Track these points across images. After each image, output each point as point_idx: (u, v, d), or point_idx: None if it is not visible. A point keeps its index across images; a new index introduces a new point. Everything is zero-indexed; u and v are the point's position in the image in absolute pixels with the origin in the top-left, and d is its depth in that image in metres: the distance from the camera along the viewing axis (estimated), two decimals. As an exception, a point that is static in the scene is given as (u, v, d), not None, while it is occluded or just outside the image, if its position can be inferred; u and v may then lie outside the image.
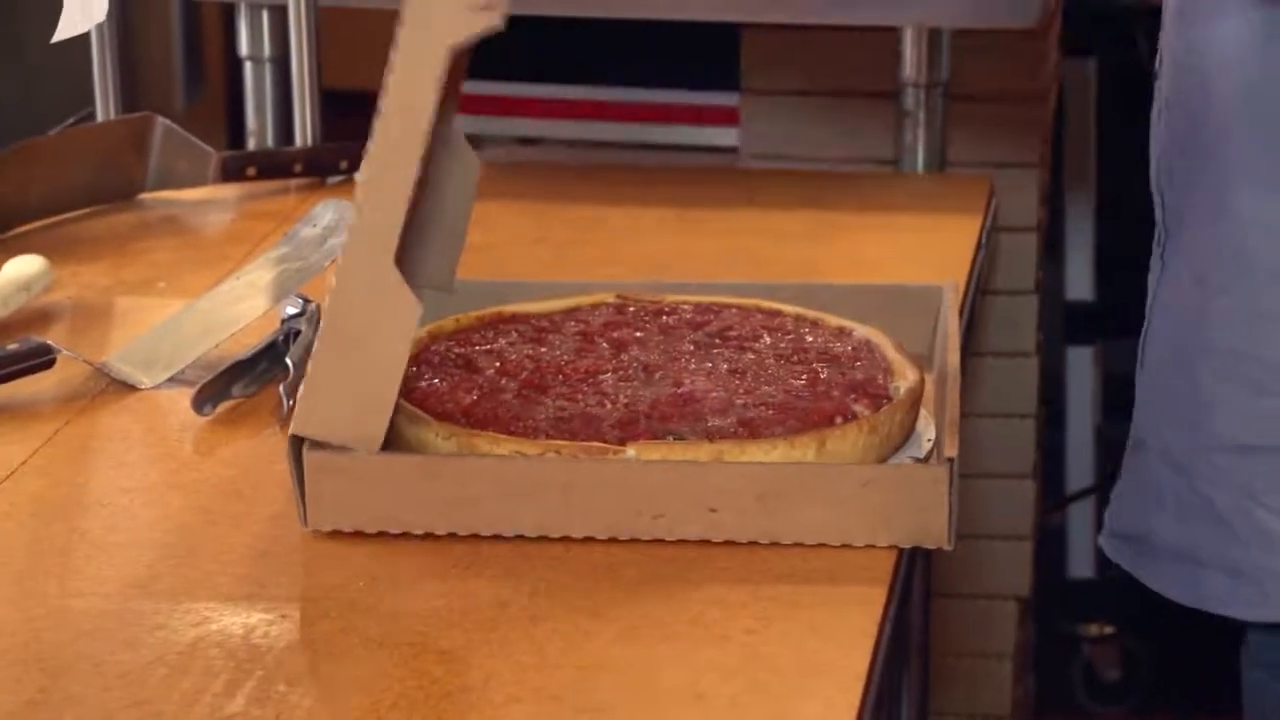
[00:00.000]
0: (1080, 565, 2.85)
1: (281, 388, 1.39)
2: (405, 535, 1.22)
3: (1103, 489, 2.86)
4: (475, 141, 2.75)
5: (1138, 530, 1.48)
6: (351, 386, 1.21)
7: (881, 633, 1.14)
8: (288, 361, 1.40)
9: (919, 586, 2.00)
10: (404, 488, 1.22)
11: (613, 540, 1.21)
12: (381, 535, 1.22)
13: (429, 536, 1.22)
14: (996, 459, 2.26)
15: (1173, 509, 1.44)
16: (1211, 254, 1.42)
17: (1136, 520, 1.48)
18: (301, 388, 1.21)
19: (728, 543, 1.21)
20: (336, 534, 1.22)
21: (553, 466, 1.21)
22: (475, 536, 1.22)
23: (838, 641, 1.12)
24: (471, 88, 2.61)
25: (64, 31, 1.77)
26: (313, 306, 1.47)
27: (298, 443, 1.22)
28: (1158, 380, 1.49)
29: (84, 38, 1.85)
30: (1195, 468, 1.42)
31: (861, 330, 1.37)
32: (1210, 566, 1.42)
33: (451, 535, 1.22)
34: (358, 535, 1.22)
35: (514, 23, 2.58)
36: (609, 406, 1.27)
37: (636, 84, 2.55)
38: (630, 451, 1.22)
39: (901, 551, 1.21)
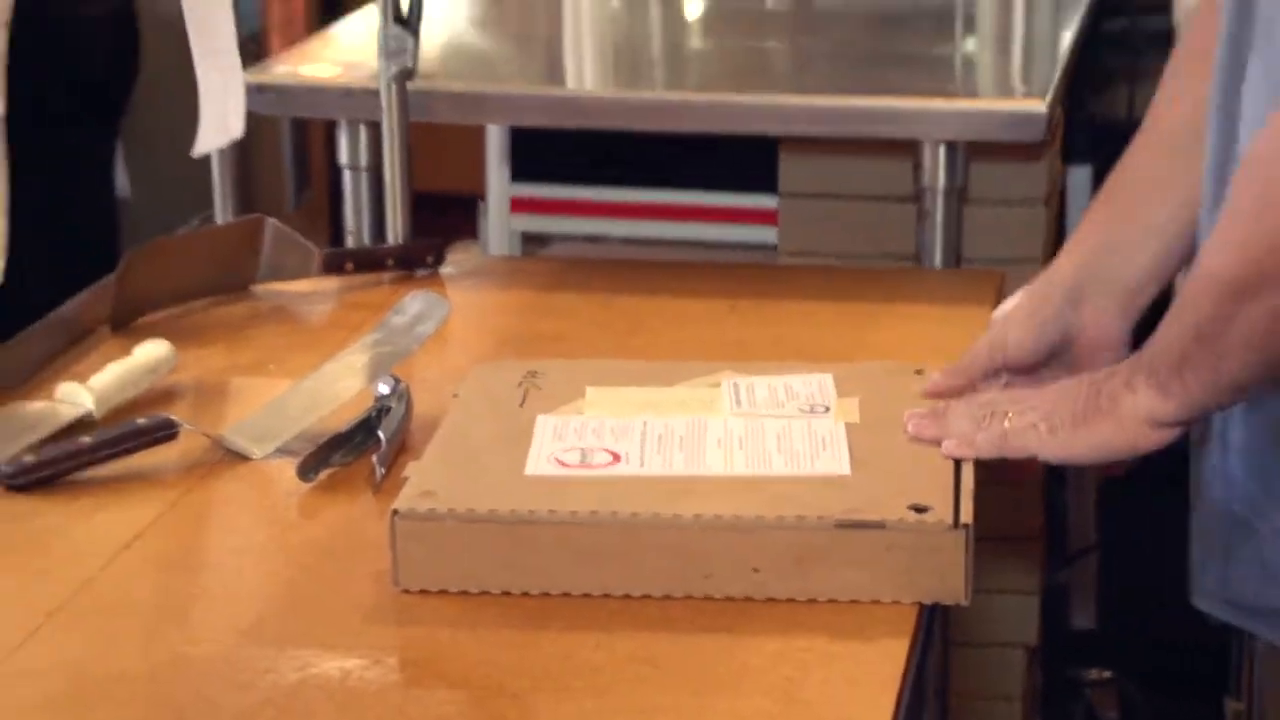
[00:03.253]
0: (1082, 617, 2.83)
1: (375, 457, 1.39)
2: (484, 592, 1.22)
3: (1103, 548, 2.84)
4: (543, 239, 2.76)
5: (1270, 605, 1.31)
6: None
7: (905, 679, 1.13)
8: (379, 434, 1.40)
9: (938, 637, 1.98)
10: (482, 552, 1.21)
11: (667, 597, 1.21)
12: (463, 592, 1.22)
13: (505, 593, 1.22)
14: (1006, 522, 2.24)
15: None
16: None
17: (1262, 595, 1.30)
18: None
19: (769, 600, 1.20)
20: (424, 590, 1.22)
21: (613, 534, 1.21)
22: (545, 594, 1.22)
23: (867, 688, 1.12)
24: (539, 191, 2.62)
25: (203, 146, 1.74)
26: (402, 385, 1.47)
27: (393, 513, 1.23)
28: (1260, 461, 1.30)
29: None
30: None
31: None
32: None
33: (524, 592, 1.22)
34: (443, 592, 1.22)
35: (576, 134, 2.58)
36: None
37: (687, 187, 2.55)
38: None
39: (923, 607, 1.20)
